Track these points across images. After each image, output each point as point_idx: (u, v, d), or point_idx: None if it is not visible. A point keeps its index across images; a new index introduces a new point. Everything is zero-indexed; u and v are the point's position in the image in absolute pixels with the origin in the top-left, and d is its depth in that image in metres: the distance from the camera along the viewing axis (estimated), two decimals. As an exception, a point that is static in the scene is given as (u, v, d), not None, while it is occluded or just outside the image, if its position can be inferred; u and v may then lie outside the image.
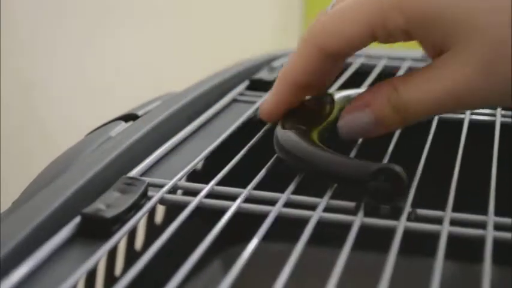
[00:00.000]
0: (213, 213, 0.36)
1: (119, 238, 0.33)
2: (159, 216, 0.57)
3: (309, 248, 0.33)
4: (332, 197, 0.37)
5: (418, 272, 0.48)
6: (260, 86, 0.57)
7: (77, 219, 0.34)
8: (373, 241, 0.42)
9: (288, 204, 0.37)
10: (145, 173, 0.41)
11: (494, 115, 0.50)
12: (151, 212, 0.56)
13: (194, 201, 0.37)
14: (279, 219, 0.35)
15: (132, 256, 0.54)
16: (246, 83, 0.58)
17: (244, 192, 0.38)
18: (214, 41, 1.69)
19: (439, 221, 0.35)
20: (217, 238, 0.33)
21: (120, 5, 1.50)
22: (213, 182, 0.39)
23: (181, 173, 0.40)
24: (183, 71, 1.45)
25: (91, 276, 0.46)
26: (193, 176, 0.44)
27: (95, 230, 0.34)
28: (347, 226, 0.34)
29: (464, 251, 0.48)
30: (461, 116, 0.50)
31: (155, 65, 1.56)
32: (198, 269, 0.63)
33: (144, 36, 1.55)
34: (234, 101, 0.55)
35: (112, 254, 0.51)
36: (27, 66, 1.29)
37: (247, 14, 1.78)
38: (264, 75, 0.59)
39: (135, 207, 0.36)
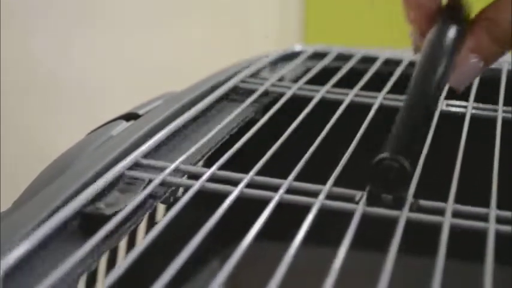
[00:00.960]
0: (214, 207, 0.36)
1: (119, 236, 0.33)
2: (159, 215, 0.57)
3: (310, 247, 0.33)
4: (335, 185, 0.37)
5: (419, 271, 0.47)
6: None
7: (78, 218, 0.34)
8: (375, 236, 0.42)
9: (290, 190, 0.37)
10: (147, 155, 0.41)
11: (496, 110, 0.51)
12: (152, 211, 0.56)
13: (196, 184, 0.37)
14: (281, 220, 0.35)
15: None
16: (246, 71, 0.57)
17: (247, 178, 0.38)
18: (214, 40, 1.69)
19: (441, 212, 0.35)
20: (216, 238, 0.33)
21: (120, 4, 1.50)
22: (214, 167, 0.39)
23: (183, 157, 0.40)
24: (182, 70, 1.45)
25: (92, 274, 0.46)
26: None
27: (94, 228, 0.34)
28: (349, 215, 0.34)
29: (466, 249, 0.48)
30: (463, 110, 0.50)
31: (155, 64, 1.56)
32: (197, 269, 0.63)
33: (144, 36, 1.55)
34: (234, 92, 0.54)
35: (112, 252, 0.51)
36: (27, 66, 1.29)
37: (247, 13, 1.78)
38: (264, 74, 0.59)
39: (135, 205, 0.36)
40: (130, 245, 0.55)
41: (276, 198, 0.35)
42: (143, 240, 0.31)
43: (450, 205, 0.35)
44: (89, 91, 1.42)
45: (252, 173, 0.38)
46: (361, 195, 0.36)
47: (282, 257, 0.30)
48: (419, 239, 0.41)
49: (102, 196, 0.36)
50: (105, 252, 0.33)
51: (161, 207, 0.57)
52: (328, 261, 0.34)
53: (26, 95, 1.28)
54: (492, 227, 0.33)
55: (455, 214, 0.35)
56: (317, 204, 0.35)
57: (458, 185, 0.37)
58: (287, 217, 0.38)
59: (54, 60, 1.35)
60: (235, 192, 0.36)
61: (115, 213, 0.34)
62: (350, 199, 0.36)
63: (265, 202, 0.35)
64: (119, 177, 0.38)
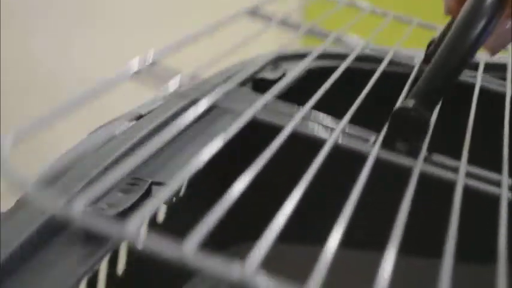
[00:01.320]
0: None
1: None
2: (160, 216, 0.57)
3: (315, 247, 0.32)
4: (351, 122, 0.36)
5: (423, 271, 0.47)
6: (263, 85, 0.56)
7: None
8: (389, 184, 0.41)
9: (306, 118, 0.36)
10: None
11: (504, 85, 0.50)
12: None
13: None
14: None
15: (133, 256, 0.54)
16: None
17: (261, 101, 0.36)
18: (215, 40, 1.69)
19: (454, 170, 0.34)
20: (218, 237, 0.33)
21: (120, 4, 1.49)
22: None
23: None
24: (183, 70, 1.45)
25: (93, 275, 0.46)
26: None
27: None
28: (363, 158, 0.33)
29: (472, 252, 0.47)
30: (473, 80, 0.50)
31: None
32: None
33: (144, 36, 1.55)
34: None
35: (114, 254, 0.50)
36: (27, 66, 1.29)
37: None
38: (267, 74, 0.58)
39: (138, 206, 0.36)
40: (132, 246, 0.54)
41: (291, 124, 0.33)
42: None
43: (464, 164, 0.34)
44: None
45: (268, 94, 0.36)
46: (376, 137, 0.35)
47: (281, 256, 0.30)
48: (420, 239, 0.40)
49: (105, 196, 0.36)
50: (108, 253, 0.33)
51: (162, 208, 0.57)
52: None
53: (26, 95, 1.28)
54: (505, 193, 0.33)
55: (468, 174, 0.34)
56: (331, 140, 0.34)
57: (469, 149, 0.37)
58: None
59: (54, 60, 1.35)
60: (250, 114, 0.34)
61: (117, 215, 0.34)
62: (366, 139, 0.35)
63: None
64: (122, 178, 0.38)
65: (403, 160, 0.34)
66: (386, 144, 0.35)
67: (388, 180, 0.36)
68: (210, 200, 0.37)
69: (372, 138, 0.36)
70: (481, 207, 0.39)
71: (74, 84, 1.39)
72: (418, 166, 0.33)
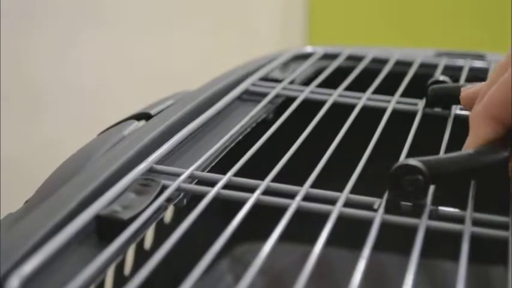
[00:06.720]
0: (226, 210, 0.35)
1: (132, 239, 0.33)
2: (168, 216, 0.57)
3: (329, 248, 0.32)
4: (352, 192, 0.36)
5: (437, 274, 0.47)
6: (272, 85, 0.56)
7: (93, 221, 0.34)
8: (393, 241, 0.42)
9: (307, 198, 0.36)
10: (161, 161, 0.41)
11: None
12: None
13: (212, 192, 0.36)
14: (297, 218, 0.35)
15: (141, 255, 0.54)
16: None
17: (263, 184, 0.37)
18: (217, 42, 1.68)
19: (461, 220, 0.34)
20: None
21: (122, 5, 1.49)
22: (230, 173, 0.38)
23: (198, 163, 0.40)
24: (186, 71, 1.45)
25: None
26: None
27: (112, 232, 0.33)
28: (367, 223, 0.33)
29: (476, 251, 0.47)
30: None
31: (160, 65, 1.55)
32: (205, 270, 0.63)
33: (149, 37, 1.54)
34: (247, 93, 0.54)
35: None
36: (30, 66, 1.28)
37: (250, 14, 1.78)
38: (275, 74, 0.58)
39: (152, 211, 0.35)
40: (139, 247, 0.54)
41: (293, 205, 0.35)
42: (160, 250, 0.30)
43: (469, 213, 0.34)
44: (89, 92, 1.41)
45: (267, 179, 0.38)
46: (379, 203, 0.35)
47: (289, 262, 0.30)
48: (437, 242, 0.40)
49: (117, 198, 0.36)
50: (119, 256, 0.32)
51: (169, 208, 0.56)
52: (343, 262, 0.33)
53: (26, 95, 1.28)
54: None
55: (475, 222, 0.34)
56: (335, 211, 0.34)
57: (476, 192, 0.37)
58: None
59: (53, 61, 1.34)
60: (252, 199, 0.35)
61: (132, 217, 0.33)
62: (368, 207, 0.35)
63: (278, 208, 0.35)
64: (135, 179, 0.37)
65: (408, 220, 0.34)
66: (390, 207, 0.35)
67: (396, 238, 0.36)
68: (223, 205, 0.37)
69: (376, 203, 0.35)
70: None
71: (74, 85, 1.39)
72: (423, 224, 0.33)
